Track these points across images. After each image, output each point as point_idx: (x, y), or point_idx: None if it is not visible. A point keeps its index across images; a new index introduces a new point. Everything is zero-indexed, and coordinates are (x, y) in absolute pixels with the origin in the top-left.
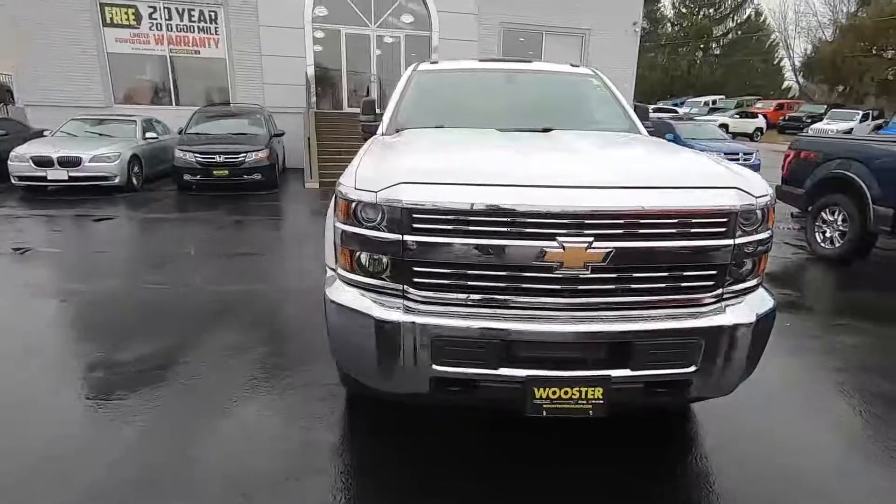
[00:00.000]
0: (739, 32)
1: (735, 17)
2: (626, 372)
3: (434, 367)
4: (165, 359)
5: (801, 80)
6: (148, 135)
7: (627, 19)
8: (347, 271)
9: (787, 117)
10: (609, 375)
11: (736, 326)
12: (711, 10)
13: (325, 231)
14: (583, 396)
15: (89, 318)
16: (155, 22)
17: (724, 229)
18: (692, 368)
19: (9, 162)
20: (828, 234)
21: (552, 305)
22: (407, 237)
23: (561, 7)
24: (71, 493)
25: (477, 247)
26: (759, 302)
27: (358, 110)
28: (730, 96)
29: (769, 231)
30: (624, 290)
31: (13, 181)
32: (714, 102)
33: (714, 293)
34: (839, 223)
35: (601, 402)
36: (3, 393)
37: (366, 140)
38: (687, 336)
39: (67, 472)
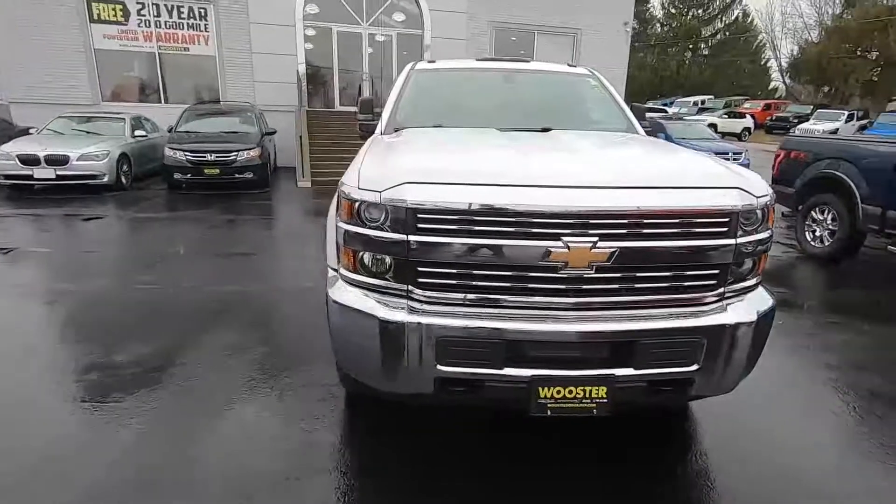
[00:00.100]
0: (727, 33)
1: (723, 18)
2: (630, 371)
3: (439, 367)
4: (163, 359)
5: (787, 80)
6: (137, 133)
7: (618, 19)
8: (350, 271)
9: (774, 117)
10: (613, 374)
11: (737, 325)
12: (700, 11)
13: (327, 231)
14: (587, 396)
15: (81, 319)
16: (143, 18)
17: (725, 229)
18: (694, 367)
19: None
20: (817, 233)
21: (557, 305)
22: (411, 237)
23: (552, 7)
24: (71, 494)
25: (482, 247)
26: (759, 300)
27: (350, 109)
28: (718, 96)
29: (769, 231)
30: (628, 290)
31: None
32: (703, 102)
33: (716, 292)
34: (829, 222)
35: (605, 401)
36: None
37: (363, 139)
38: (689, 335)
39: (67, 473)
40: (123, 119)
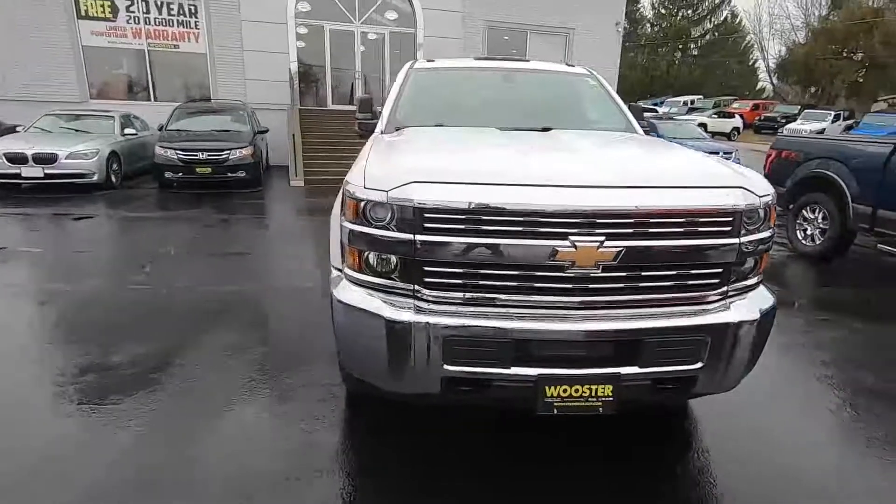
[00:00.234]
0: (716, 34)
1: (712, 19)
2: (635, 369)
3: (446, 367)
4: (161, 360)
5: (775, 81)
6: (126, 131)
7: (610, 19)
8: (355, 271)
9: (762, 117)
10: (619, 373)
11: (741, 323)
12: (690, 12)
13: (331, 230)
14: (593, 394)
15: (75, 320)
16: (132, 15)
17: (729, 228)
18: (698, 365)
19: None
20: (808, 232)
21: (563, 304)
22: (418, 237)
23: (545, 6)
24: (71, 494)
25: (489, 246)
26: (760, 299)
27: (342, 107)
28: (707, 96)
29: (771, 230)
30: (633, 289)
31: None
32: (693, 102)
33: (719, 291)
34: (819, 221)
35: (611, 399)
36: None
37: (362, 138)
38: (694, 333)
39: (67, 473)
40: (113, 117)
